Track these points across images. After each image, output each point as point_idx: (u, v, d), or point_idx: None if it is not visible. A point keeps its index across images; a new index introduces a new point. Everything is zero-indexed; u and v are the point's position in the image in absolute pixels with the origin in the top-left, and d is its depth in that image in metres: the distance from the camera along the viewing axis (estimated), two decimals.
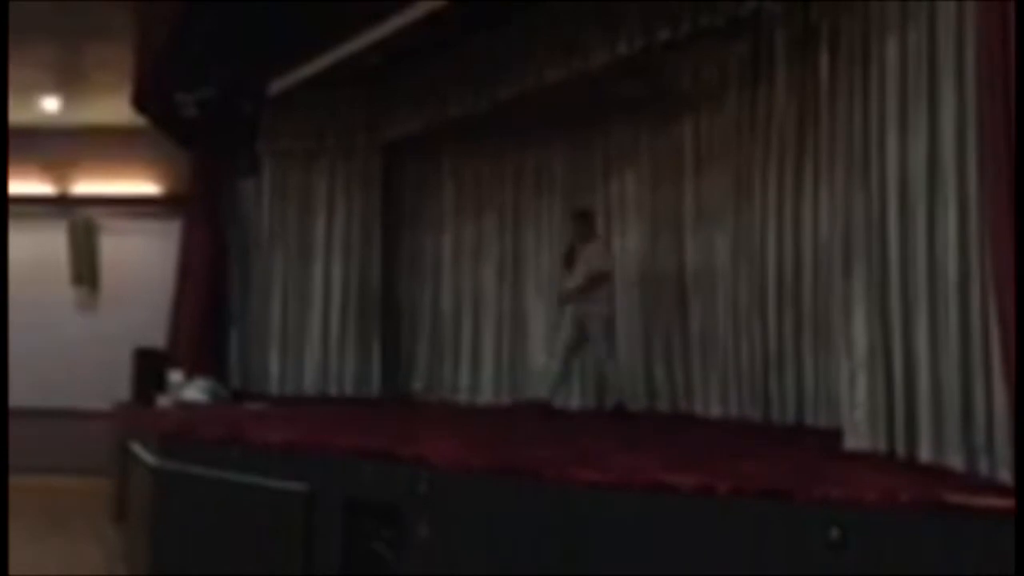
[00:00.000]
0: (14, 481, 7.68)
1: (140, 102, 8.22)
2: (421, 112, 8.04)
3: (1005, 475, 3.26)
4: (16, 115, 9.02)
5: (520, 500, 3.79)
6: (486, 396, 8.38)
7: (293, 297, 8.71)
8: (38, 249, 9.96)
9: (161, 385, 7.94)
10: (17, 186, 9.80)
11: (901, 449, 3.95)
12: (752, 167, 6.33)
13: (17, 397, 9.34)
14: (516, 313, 8.30)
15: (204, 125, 8.28)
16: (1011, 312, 3.00)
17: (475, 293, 8.64)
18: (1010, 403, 3.06)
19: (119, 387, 8.28)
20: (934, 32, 3.86)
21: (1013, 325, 2.98)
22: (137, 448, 6.06)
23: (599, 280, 6.71)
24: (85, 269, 10.22)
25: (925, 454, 3.78)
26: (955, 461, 3.59)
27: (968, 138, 3.57)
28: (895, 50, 4.11)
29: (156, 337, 8.69)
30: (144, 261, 9.89)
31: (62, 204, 10.25)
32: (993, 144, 3.12)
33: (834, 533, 3.06)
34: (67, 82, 8.98)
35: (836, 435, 4.55)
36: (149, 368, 8.17)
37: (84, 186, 10.35)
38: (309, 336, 8.65)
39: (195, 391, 7.80)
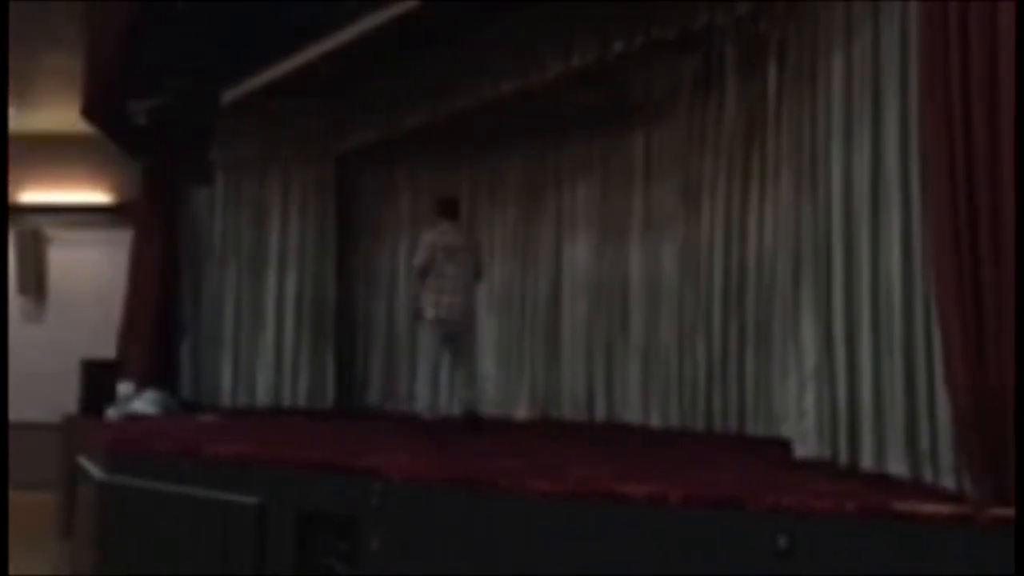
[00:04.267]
0: None
1: (89, 110, 8.10)
2: (376, 122, 8.02)
3: (949, 482, 3.33)
4: None
5: (474, 511, 3.79)
6: (441, 408, 8.34)
7: (246, 308, 8.60)
8: None
9: (110, 397, 7.81)
10: None
11: (848, 458, 4.01)
12: (701, 179, 6.39)
13: None
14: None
15: (155, 134, 8.19)
16: (953, 322, 3.07)
17: None
18: (953, 411, 3.13)
19: (67, 399, 8.12)
20: (878, 46, 3.94)
21: (956, 336, 3.05)
22: (84, 462, 5.96)
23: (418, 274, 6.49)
24: (31, 279, 10.03)
25: (870, 462, 3.85)
26: (899, 469, 3.66)
27: (911, 150, 3.65)
28: (840, 63, 4.20)
29: (105, 348, 8.55)
30: (93, 271, 9.74)
31: (9, 212, 10.05)
32: (935, 157, 3.19)
33: (782, 541, 3.10)
34: (15, 89, 8.80)
35: (779, 444, 4.62)
36: (98, 380, 8.04)
37: (32, 194, 10.16)
38: (262, 347, 8.54)
39: (145, 403, 7.69)
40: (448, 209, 6.74)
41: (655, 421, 6.60)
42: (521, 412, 7.60)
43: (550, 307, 7.63)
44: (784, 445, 4.55)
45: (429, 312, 6.43)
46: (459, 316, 6.45)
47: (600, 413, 7.12)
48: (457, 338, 6.57)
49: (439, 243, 6.48)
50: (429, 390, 6.79)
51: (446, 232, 6.58)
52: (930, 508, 3.05)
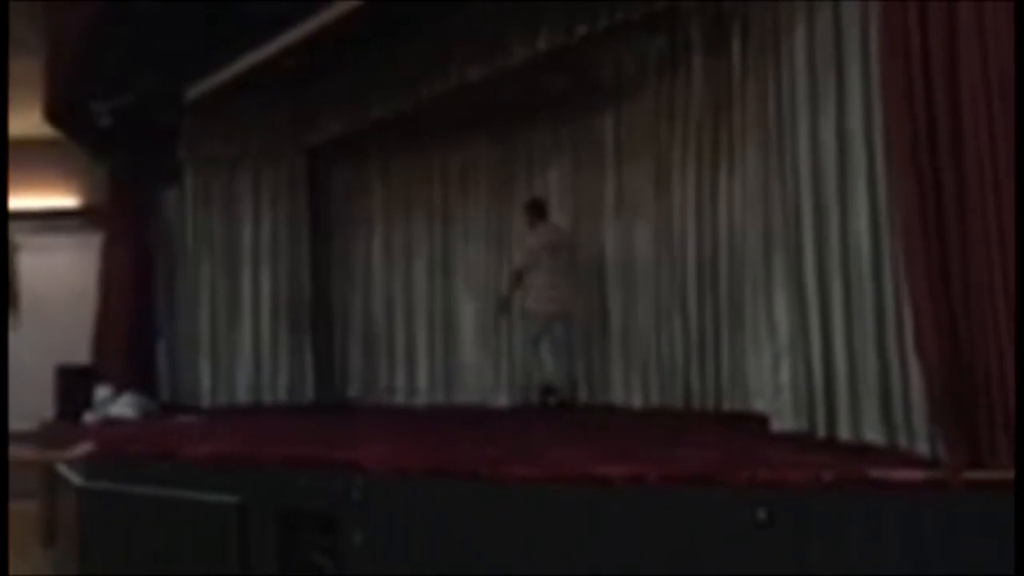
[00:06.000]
0: None
1: (52, 113, 8.00)
2: (345, 113, 7.97)
3: (923, 448, 3.37)
4: None
5: (455, 500, 3.79)
6: (422, 398, 8.36)
7: (222, 306, 8.55)
8: None
9: (87, 403, 7.74)
10: None
11: (825, 429, 4.04)
12: (671, 158, 6.40)
13: None
14: (447, 312, 8.30)
15: (120, 135, 8.10)
16: (922, 293, 3.08)
17: (406, 293, 8.61)
18: (925, 383, 3.15)
19: (44, 407, 8.05)
20: (839, 18, 3.96)
21: (926, 306, 3.07)
22: (63, 469, 5.90)
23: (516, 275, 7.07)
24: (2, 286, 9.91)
25: (847, 433, 3.88)
26: (875, 438, 3.69)
27: (875, 123, 3.66)
28: (803, 36, 4.21)
29: (80, 354, 8.47)
30: (64, 276, 9.64)
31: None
32: (898, 132, 3.19)
33: (761, 514, 3.12)
34: None
35: (756, 419, 4.65)
36: (74, 385, 7.96)
37: None
38: (240, 345, 8.50)
39: (123, 407, 7.63)
40: (540, 211, 7.12)
41: (636, 401, 6.63)
42: (502, 399, 7.61)
43: None
44: (762, 420, 4.58)
45: (533, 304, 6.93)
46: (561, 306, 6.87)
47: (581, 396, 7.14)
48: (557, 326, 6.91)
49: (540, 244, 6.93)
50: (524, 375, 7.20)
51: (542, 232, 7.00)
52: (905, 474, 3.08)
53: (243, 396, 8.43)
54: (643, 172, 6.68)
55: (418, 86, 7.21)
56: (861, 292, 3.78)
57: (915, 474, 3.06)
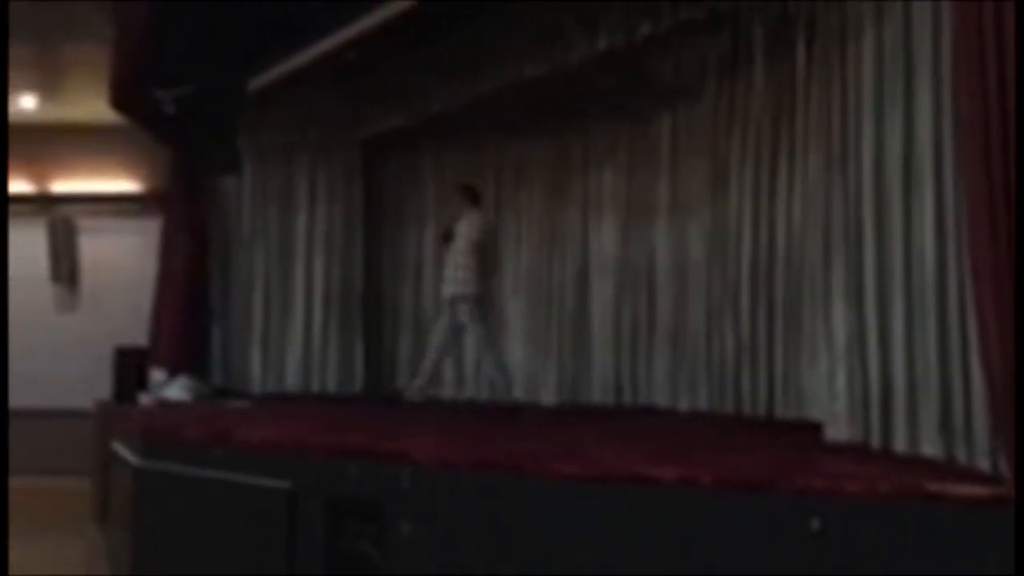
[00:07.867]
0: None
1: (118, 100, 8.15)
2: (401, 107, 8.03)
3: (984, 463, 3.29)
4: None
5: (503, 495, 3.79)
6: (469, 391, 8.38)
7: (275, 294, 8.67)
8: (17, 248, 9.86)
9: (143, 384, 7.89)
10: None
11: (880, 440, 3.97)
12: (729, 160, 6.34)
13: None
14: (496, 307, 8.30)
15: (183, 122, 8.24)
16: (989, 301, 3.02)
17: None
18: (988, 393, 3.08)
19: (100, 386, 8.23)
20: (909, 24, 3.88)
21: (992, 315, 3.00)
22: (119, 448, 6.03)
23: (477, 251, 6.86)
24: (64, 268, 10.15)
25: (903, 444, 3.81)
26: (933, 450, 3.62)
27: (944, 129, 3.59)
28: (871, 40, 4.13)
29: (137, 336, 8.64)
30: (124, 259, 9.83)
31: (41, 202, 10.17)
32: (970, 136, 3.13)
33: (815, 524, 3.08)
34: (44, 80, 8.90)
35: (808, 427, 4.58)
36: (130, 367, 8.13)
37: (63, 184, 10.27)
38: (291, 333, 8.61)
39: (177, 390, 7.77)
40: (466, 195, 7.14)
41: (684, 404, 6.58)
42: (549, 397, 7.60)
43: (577, 291, 7.62)
44: (815, 428, 4.51)
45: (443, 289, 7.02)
46: (455, 289, 6.89)
47: (628, 397, 7.11)
48: (460, 310, 6.90)
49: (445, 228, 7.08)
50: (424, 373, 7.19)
51: (459, 217, 7.00)
52: (964, 489, 3.01)
53: (292, 384, 8.54)
54: (699, 174, 6.63)
55: (475, 81, 7.24)
56: (923, 301, 3.71)
57: (975, 489, 2.99)
